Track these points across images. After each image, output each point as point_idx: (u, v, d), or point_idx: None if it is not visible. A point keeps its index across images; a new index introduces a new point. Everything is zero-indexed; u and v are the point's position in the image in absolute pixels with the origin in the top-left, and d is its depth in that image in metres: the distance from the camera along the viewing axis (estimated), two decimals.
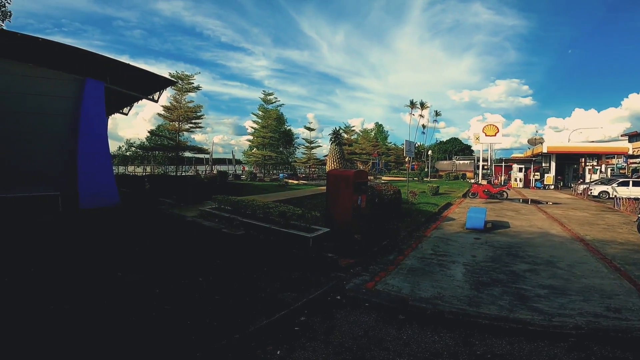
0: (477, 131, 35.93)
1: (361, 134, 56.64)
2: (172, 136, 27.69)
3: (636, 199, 16.25)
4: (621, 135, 58.03)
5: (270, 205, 8.06)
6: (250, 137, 42.89)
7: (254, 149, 41.38)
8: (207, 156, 36.13)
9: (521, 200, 18.11)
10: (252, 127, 41.46)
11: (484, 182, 25.27)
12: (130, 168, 35.95)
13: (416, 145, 42.38)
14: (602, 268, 6.27)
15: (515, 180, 31.56)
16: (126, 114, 20.29)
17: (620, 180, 21.46)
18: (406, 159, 31.99)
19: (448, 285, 5.29)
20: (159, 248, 6.80)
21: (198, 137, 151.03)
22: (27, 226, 8.32)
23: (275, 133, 40.22)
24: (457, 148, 68.99)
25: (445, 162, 51.97)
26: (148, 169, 34.46)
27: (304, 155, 44.26)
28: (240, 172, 38.88)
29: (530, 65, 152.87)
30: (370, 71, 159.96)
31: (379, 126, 66.58)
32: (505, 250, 7.42)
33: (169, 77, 17.41)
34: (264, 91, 43.27)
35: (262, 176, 34.25)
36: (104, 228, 8.48)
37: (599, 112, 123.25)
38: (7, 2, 6.04)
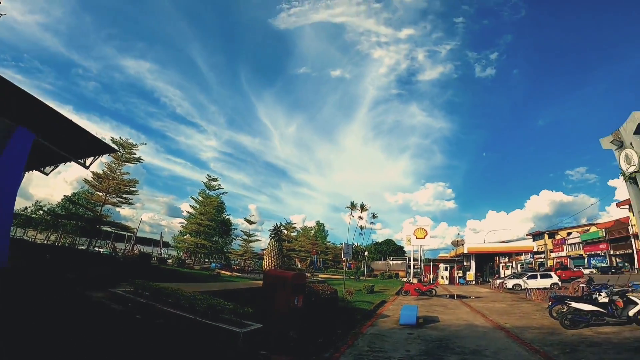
0: (409, 234, 39.10)
1: (302, 231, 56.86)
2: (92, 207, 24.70)
3: (544, 289, 18.83)
4: (526, 235, 66.98)
5: (198, 297, 7.23)
6: (184, 222, 40.33)
7: (187, 235, 38.60)
8: (130, 233, 32.36)
9: (448, 295, 19.04)
10: (188, 212, 39.51)
11: (415, 281, 26.38)
12: (31, 233, 29.46)
13: (354, 245, 43.39)
14: (523, 352, 6.75)
15: (442, 278, 34.68)
16: (47, 174, 17.81)
17: (530, 274, 24.84)
18: (343, 260, 32.38)
19: None
20: (52, 336, 5.45)
21: (124, 212, 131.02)
22: None
23: (212, 222, 38.19)
24: (391, 249, 71.21)
25: (380, 262, 53.42)
26: (52, 237, 28.93)
27: (241, 247, 42.29)
28: (167, 256, 35.17)
29: (452, 168, 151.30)
30: (316, 167, 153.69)
31: (319, 225, 67.00)
32: (437, 343, 7.57)
33: (111, 144, 16.25)
34: (208, 175, 42.16)
35: (191, 263, 31.29)
36: None
37: (508, 213, 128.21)
38: None
